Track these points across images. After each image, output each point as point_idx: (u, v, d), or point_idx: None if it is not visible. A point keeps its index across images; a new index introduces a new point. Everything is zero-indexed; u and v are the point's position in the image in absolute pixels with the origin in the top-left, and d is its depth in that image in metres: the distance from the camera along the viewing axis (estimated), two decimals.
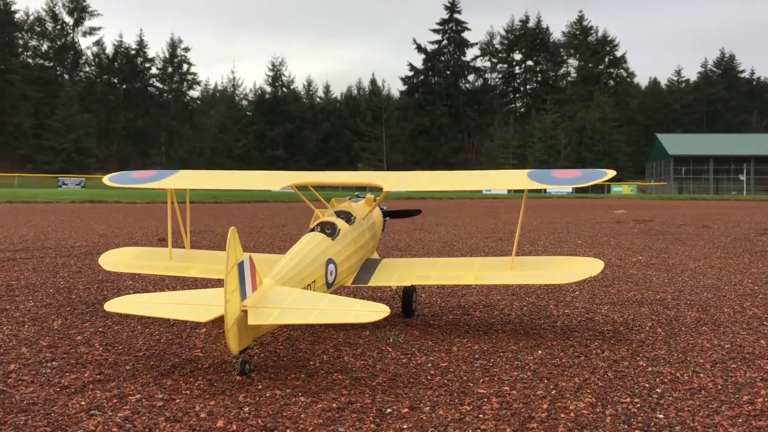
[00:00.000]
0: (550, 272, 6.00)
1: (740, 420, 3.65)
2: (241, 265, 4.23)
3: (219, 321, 4.17)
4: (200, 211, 26.79)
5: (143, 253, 6.96)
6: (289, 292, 4.58)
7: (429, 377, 4.38)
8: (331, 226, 5.75)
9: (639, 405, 3.87)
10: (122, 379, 4.25)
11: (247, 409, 3.75)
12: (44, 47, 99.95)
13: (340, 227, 5.81)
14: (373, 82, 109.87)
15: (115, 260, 6.56)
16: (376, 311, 4.26)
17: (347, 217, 6.11)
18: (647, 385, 4.24)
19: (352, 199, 6.73)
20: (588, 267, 5.79)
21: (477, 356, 4.88)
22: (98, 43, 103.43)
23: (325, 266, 5.37)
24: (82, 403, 3.82)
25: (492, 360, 4.79)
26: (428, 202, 39.42)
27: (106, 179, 6.90)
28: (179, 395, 3.96)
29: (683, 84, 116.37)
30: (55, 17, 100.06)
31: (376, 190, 6.66)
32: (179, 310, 4.55)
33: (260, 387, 4.13)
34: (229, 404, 3.82)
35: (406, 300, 6.30)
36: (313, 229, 5.72)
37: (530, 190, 6.14)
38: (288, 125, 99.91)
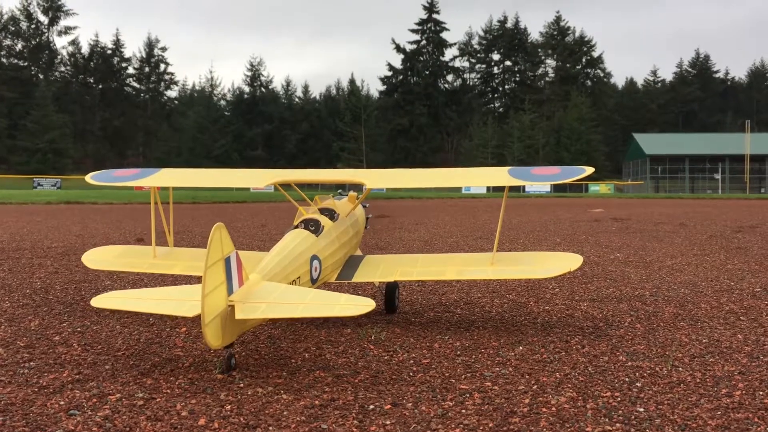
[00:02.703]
0: (530, 267, 6.10)
1: (719, 413, 3.69)
2: (228, 260, 4.24)
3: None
4: (178, 212, 26.59)
5: (126, 251, 6.94)
6: (275, 287, 4.61)
7: (411, 374, 4.38)
8: (315, 223, 5.79)
9: (619, 399, 3.90)
10: (102, 379, 4.20)
11: (229, 407, 3.73)
12: (18, 47, 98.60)
13: (323, 224, 5.85)
14: (352, 82, 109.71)
15: (98, 258, 6.55)
16: (361, 305, 4.29)
17: (331, 214, 6.15)
18: (627, 379, 4.28)
19: (335, 197, 6.77)
20: (567, 262, 5.93)
21: (459, 353, 4.90)
22: (74, 42, 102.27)
23: (310, 262, 5.41)
24: (61, 403, 3.77)
25: (474, 356, 4.80)
26: (408, 201, 39.50)
27: (89, 178, 6.85)
28: (160, 394, 3.93)
29: (659, 84, 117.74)
30: (29, 16, 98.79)
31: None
32: (165, 305, 4.54)
33: (242, 385, 4.11)
34: (210, 403, 3.79)
35: (389, 296, 6.35)
36: (297, 226, 5.73)
37: (510, 188, 6.31)
38: (267, 125, 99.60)
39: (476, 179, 7.16)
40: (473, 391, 4.02)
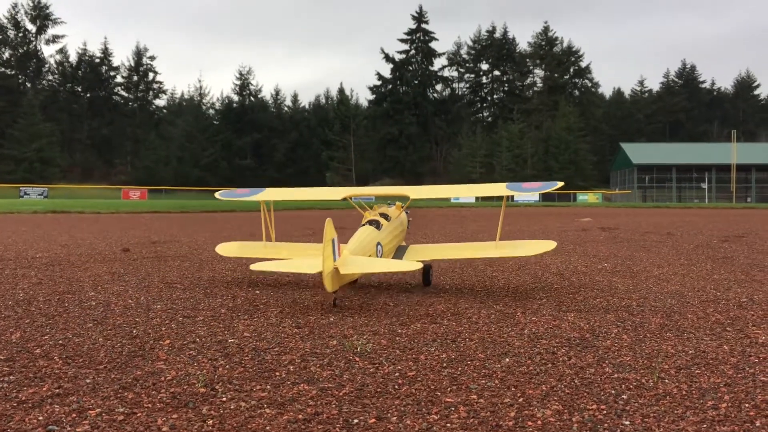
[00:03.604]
0: (522, 249, 8.87)
1: (705, 425, 3.68)
2: (333, 240, 6.82)
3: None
4: (167, 222, 26.51)
5: (244, 245, 9.66)
6: (360, 257, 7.39)
7: (396, 387, 4.34)
8: (376, 222, 8.39)
9: (605, 412, 3.88)
10: (82, 393, 4.14)
11: (211, 422, 3.67)
12: (6, 55, 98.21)
13: (382, 223, 8.45)
14: (341, 91, 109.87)
15: (228, 250, 9.17)
16: (415, 265, 7.17)
17: (385, 216, 8.73)
18: (613, 391, 4.26)
19: (388, 205, 9.42)
20: (546, 245, 8.56)
21: (445, 365, 4.86)
22: (62, 51, 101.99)
23: (376, 246, 7.98)
24: (40, 418, 3.71)
25: (460, 368, 4.76)
26: None
27: (218, 195, 9.96)
28: (141, 409, 3.87)
29: (646, 94, 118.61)
30: (17, 24, 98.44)
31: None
32: (300, 268, 7.32)
33: (224, 399, 4.05)
34: (192, 417, 3.74)
35: (425, 273, 8.67)
36: (365, 224, 8.32)
37: (500, 198, 8.49)
38: (256, 134, 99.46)
39: (482, 191, 10.00)
40: (459, 405, 3.99)
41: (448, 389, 4.29)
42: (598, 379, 4.51)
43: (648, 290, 8.41)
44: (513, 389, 4.29)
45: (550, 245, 8.52)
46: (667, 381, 4.49)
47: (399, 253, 8.67)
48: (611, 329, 6.11)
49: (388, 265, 7.54)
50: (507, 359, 5.03)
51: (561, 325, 6.28)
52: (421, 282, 8.81)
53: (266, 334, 5.78)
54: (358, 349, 5.27)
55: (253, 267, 7.31)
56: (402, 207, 9.52)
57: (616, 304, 7.42)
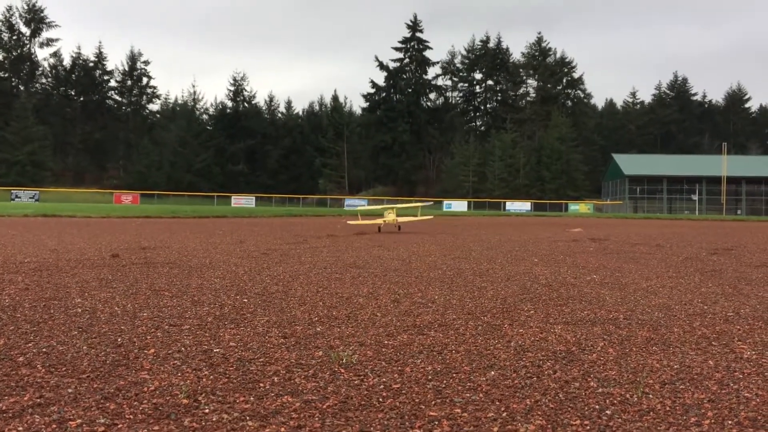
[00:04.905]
0: (426, 217, 28.94)
1: None
2: (393, 214, 25.46)
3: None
4: (158, 227, 26.41)
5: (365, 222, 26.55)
6: (399, 217, 25.64)
7: (381, 399, 4.33)
8: (394, 212, 25.62)
9: (588, 427, 3.87)
10: (63, 403, 4.10)
11: None
12: None
13: (395, 212, 25.84)
14: (335, 98, 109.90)
15: (354, 226, 25.16)
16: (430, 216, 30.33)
17: (394, 211, 26.09)
18: (597, 406, 4.25)
19: (392, 208, 25.99)
20: (429, 217, 30.10)
21: (430, 377, 4.85)
22: (56, 54, 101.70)
23: (397, 217, 24.48)
24: (20, 428, 3.67)
25: (445, 381, 4.75)
26: None
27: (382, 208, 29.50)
28: (122, 420, 3.84)
29: (638, 105, 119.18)
30: (11, 27, 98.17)
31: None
32: (376, 221, 24.53)
33: (207, 411, 4.03)
34: (173, 429, 3.71)
35: (399, 227, 24.40)
36: (390, 212, 25.33)
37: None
38: (249, 140, 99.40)
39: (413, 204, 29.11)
40: (442, 419, 3.97)
41: (433, 402, 4.28)
42: (582, 394, 4.51)
43: (636, 303, 8.42)
44: (497, 403, 4.28)
45: (430, 218, 29.95)
46: (651, 396, 4.49)
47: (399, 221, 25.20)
48: (597, 342, 6.11)
49: (407, 220, 26.10)
50: (492, 372, 5.02)
51: (548, 338, 6.28)
52: (397, 230, 23.39)
53: (252, 343, 5.76)
54: (344, 361, 5.26)
55: (350, 222, 25.53)
56: (394, 209, 23.95)
57: (604, 316, 7.43)
